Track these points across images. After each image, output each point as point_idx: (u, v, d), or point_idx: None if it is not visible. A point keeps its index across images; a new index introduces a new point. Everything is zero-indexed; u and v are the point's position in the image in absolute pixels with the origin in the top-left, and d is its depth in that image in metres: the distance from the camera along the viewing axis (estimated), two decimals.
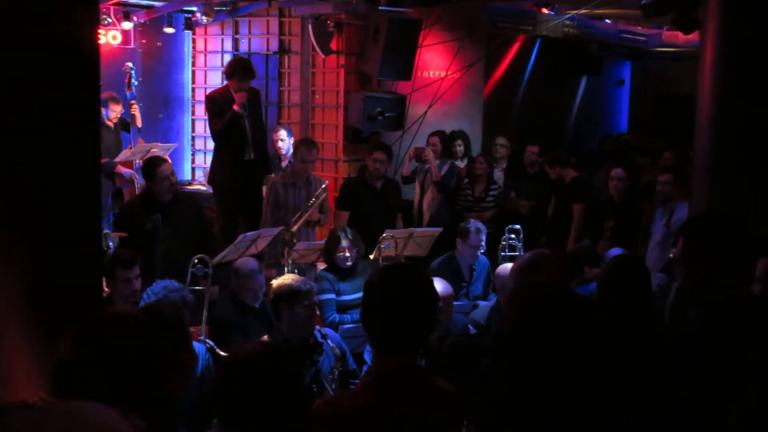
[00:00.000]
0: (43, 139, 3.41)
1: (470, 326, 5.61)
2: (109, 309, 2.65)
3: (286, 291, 4.68)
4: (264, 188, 8.01)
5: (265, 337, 4.73)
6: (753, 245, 3.38)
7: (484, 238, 6.90)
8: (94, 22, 3.75)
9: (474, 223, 6.97)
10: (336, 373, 4.63)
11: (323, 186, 7.28)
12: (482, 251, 6.96)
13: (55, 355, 2.59)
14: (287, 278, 4.87)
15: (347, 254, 6.20)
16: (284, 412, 2.30)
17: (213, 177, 8.49)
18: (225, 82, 8.35)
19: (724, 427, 2.49)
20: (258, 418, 2.29)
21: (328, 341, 4.68)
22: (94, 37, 3.67)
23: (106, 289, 6.35)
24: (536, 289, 2.30)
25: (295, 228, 7.01)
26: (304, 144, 7.37)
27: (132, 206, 6.90)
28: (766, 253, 3.61)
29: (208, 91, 10.75)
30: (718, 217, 3.41)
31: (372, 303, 2.67)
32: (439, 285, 5.21)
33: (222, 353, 4.58)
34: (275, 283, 4.85)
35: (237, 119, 8.01)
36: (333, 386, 4.54)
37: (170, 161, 9.40)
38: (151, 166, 6.66)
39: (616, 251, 6.25)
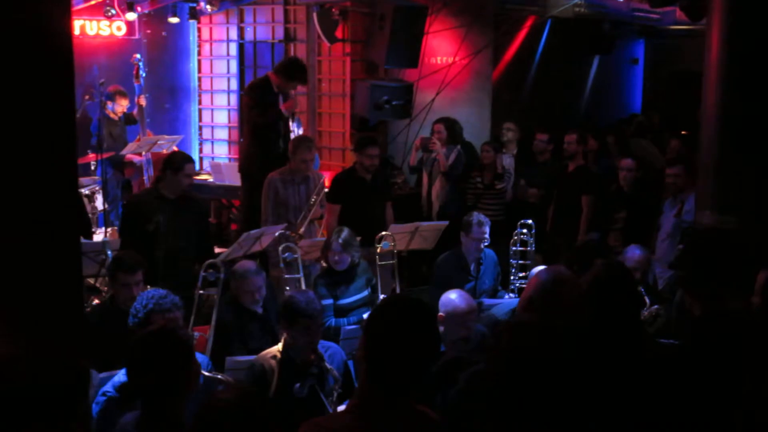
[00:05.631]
0: (11, 133, 3.26)
1: None
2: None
3: (291, 308, 4.50)
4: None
5: (275, 350, 4.64)
6: (754, 259, 3.33)
7: (487, 230, 6.74)
8: (64, 8, 3.55)
9: (476, 216, 6.81)
10: (335, 395, 4.49)
11: (321, 181, 7.20)
12: (486, 244, 6.82)
13: None
14: (301, 295, 4.66)
15: (336, 258, 6.10)
16: None
17: (244, 166, 8.40)
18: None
19: None
20: None
21: (327, 365, 4.49)
22: (66, 25, 3.50)
23: (104, 289, 6.38)
24: (523, 333, 2.24)
25: (302, 230, 6.97)
26: (303, 143, 7.22)
27: (139, 199, 6.77)
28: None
29: (215, 80, 10.78)
30: (719, 234, 3.38)
31: (373, 339, 2.61)
32: (460, 299, 4.94)
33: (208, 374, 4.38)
34: (288, 294, 4.71)
35: (279, 118, 8.05)
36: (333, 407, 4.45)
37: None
38: (177, 160, 6.43)
39: (634, 249, 6.04)
